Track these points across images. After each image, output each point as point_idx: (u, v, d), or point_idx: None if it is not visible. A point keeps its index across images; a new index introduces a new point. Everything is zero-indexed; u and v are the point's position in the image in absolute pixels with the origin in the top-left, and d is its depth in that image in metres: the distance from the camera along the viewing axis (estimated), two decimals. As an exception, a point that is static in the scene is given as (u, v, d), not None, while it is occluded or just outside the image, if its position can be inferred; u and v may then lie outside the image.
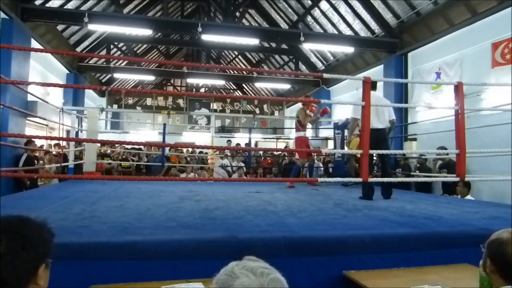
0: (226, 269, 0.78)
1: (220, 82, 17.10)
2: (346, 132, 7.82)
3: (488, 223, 2.75)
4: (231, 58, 19.35)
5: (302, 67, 13.27)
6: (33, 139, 6.49)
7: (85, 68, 11.98)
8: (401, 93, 8.47)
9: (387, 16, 8.76)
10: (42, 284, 0.89)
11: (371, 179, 3.69)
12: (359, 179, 3.36)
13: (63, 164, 6.63)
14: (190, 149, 11.22)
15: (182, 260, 1.97)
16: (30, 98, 7.32)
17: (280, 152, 10.94)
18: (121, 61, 14.35)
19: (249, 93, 20.64)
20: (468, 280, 1.88)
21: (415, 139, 7.83)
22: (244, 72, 14.10)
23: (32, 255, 0.88)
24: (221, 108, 17.62)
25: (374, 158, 5.10)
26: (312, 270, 2.10)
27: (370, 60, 10.11)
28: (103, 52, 12.18)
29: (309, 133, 9.28)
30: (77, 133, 9.91)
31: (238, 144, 11.29)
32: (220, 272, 0.79)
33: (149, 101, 17.33)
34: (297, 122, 6.21)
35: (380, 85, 8.69)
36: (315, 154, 6.53)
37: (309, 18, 11.15)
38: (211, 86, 20.14)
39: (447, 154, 5.78)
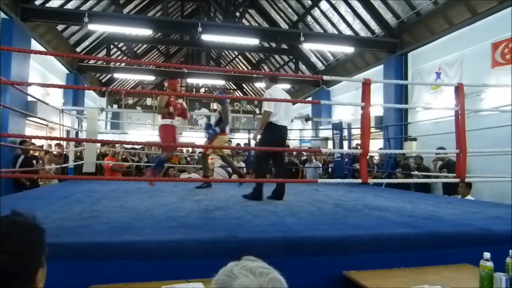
0: (225, 270, 0.78)
1: (220, 82, 17.08)
2: (345, 132, 7.85)
3: (488, 223, 2.75)
4: (231, 58, 19.35)
5: (302, 67, 13.27)
6: (27, 139, 6.47)
7: (85, 68, 11.99)
8: (401, 93, 8.47)
9: (387, 16, 8.76)
10: (40, 285, 0.85)
11: (371, 180, 3.68)
12: (359, 180, 3.34)
13: (63, 165, 6.62)
14: (190, 149, 11.21)
15: (182, 260, 1.97)
16: (30, 98, 7.32)
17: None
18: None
19: (249, 93, 20.63)
20: (468, 280, 1.88)
21: (415, 139, 7.83)
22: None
23: (25, 272, 0.80)
24: (221, 108, 17.58)
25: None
26: (312, 270, 2.10)
27: (370, 60, 10.11)
28: (103, 52, 12.17)
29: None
30: (77, 133, 9.91)
31: (238, 144, 11.29)
32: (219, 272, 0.79)
33: (149, 101, 17.33)
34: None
35: (380, 85, 8.75)
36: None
37: (309, 18, 11.15)
38: (211, 86, 20.12)
39: (446, 154, 5.78)
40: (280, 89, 4.20)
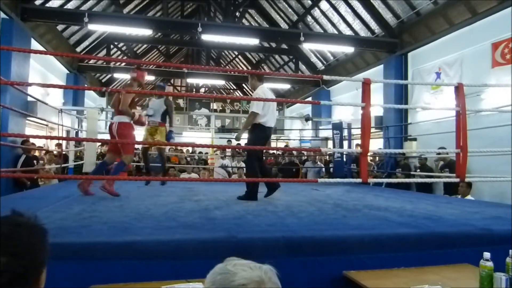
0: (218, 270, 0.79)
1: (220, 82, 17.10)
2: (345, 132, 7.84)
3: (488, 223, 2.75)
4: (231, 58, 19.35)
5: (302, 67, 13.26)
6: (28, 139, 6.47)
7: (85, 68, 11.98)
8: (401, 93, 8.47)
9: (387, 16, 8.76)
10: (42, 286, 0.85)
11: (371, 180, 3.68)
12: (359, 180, 3.35)
13: (63, 165, 6.62)
14: (190, 149, 11.22)
15: (182, 260, 1.97)
16: (30, 98, 7.32)
17: (281, 152, 10.92)
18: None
19: (249, 93, 20.62)
20: (468, 280, 1.87)
21: (415, 139, 7.83)
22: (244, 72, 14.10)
23: (29, 273, 0.79)
24: (221, 108, 17.61)
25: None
26: (312, 270, 2.09)
27: (370, 60, 10.11)
28: (103, 52, 12.17)
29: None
30: (77, 133, 9.91)
31: (238, 144, 11.31)
32: (210, 275, 0.79)
33: (149, 101, 17.30)
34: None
35: (380, 85, 8.75)
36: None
37: (309, 18, 11.15)
38: (211, 86, 20.13)
39: (447, 153, 5.78)
40: (268, 90, 4.21)
